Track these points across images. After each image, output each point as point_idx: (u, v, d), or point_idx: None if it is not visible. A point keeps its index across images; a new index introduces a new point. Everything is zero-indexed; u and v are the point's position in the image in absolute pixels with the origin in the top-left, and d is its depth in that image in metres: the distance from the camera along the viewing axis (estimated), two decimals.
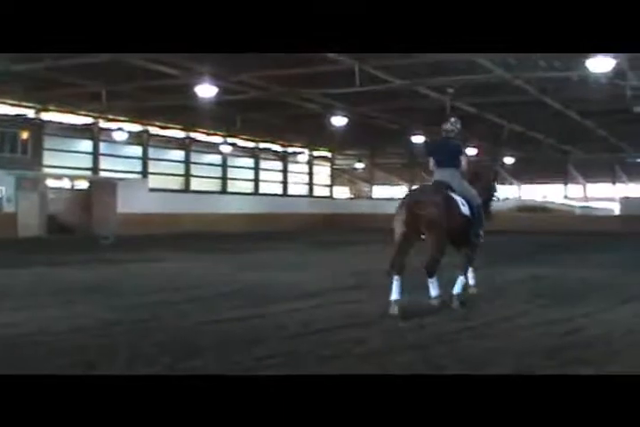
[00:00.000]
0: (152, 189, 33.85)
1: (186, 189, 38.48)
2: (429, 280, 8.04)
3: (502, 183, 55.08)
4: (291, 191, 46.53)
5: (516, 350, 5.82)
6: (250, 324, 7.19)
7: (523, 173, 53.67)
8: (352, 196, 58.64)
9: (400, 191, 56.54)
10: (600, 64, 18.52)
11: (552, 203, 51.56)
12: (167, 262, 15.35)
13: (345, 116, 29.07)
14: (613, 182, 51.94)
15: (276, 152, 45.67)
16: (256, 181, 43.84)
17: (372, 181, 55.25)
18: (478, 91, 29.47)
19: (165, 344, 6.05)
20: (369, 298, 9.07)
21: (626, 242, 25.91)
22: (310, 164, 48.66)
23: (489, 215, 9.54)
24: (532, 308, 8.27)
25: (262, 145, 43.94)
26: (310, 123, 35.94)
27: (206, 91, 23.51)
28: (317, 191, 49.63)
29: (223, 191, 40.87)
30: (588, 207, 51.20)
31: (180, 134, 38.51)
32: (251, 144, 43.17)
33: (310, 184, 48.94)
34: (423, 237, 7.93)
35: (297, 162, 47.25)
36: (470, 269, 9.05)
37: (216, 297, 9.24)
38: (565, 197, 52.73)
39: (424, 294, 8.10)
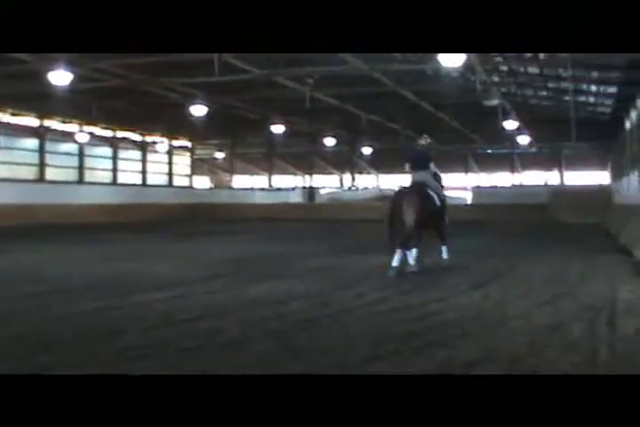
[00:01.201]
0: (2, 180, 32.36)
1: (40, 179, 37.01)
2: (409, 252, 10.79)
3: (361, 173, 56.17)
4: (150, 181, 45.61)
5: (374, 336, 5.94)
6: (109, 315, 7.04)
7: (381, 163, 54.86)
8: (212, 186, 58.27)
9: (260, 181, 56.78)
10: (451, 59, 19.06)
11: None
12: (21, 254, 14.75)
13: (205, 105, 28.74)
14: (466, 172, 53.89)
15: (134, 141, 44.62)
16: (114, 170, 42.69)
17: (232, 171, 55.02)
18: (337, 82, 29.87)
19: (22, 338, 5.84)
20: (229, 288, 9.10)
21: (478, 229, 26.96)
22: (170, 153, 47.84)
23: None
24: (392, 294, 8.48)
25: (121, 134, 42.82)
26: (170, 112, 35.36)
27: (61, 77, 22.61)
28: (177, 181, 48.91)
29: (80, 181, 39.58)
30: None
31: (34, 122, 36.97)
32: (109, 133, 42.02)
33: (170, 174, 48.15)
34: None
35: (156, 151, 46.39)
36: (414, 251, 10.97)
37: (75, 289, 8.98)
38: None
39: None
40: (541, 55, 23.96)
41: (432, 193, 11.32)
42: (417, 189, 11.18)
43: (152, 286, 9.13)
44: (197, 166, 53.52)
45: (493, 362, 5.04)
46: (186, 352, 5.33)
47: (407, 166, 11.83)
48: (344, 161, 54.03)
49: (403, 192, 11.17)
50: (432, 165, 11.89)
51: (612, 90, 28.71)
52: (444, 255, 11.68)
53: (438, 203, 11.42)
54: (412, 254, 10.89)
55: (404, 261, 10.58)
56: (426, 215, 10.87)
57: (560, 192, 38.39)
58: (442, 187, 12.31)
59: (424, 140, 12.36)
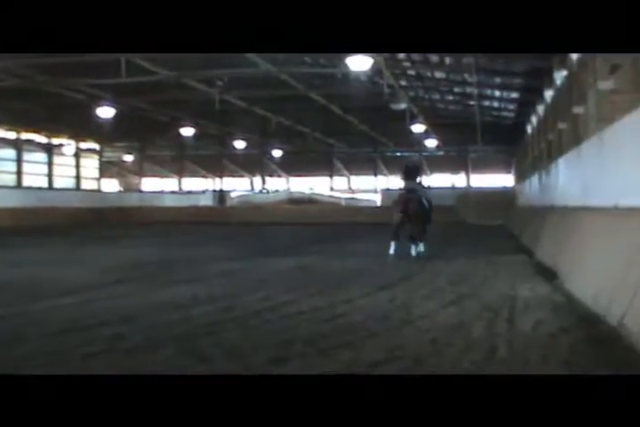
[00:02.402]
0: None
1: None
2: (412, 244, 14.16)
3: (271, 176, 56.16)
4: (57, 184, 44.54)
5: (280, 338, 5.96)
6: (11, 322, 6.83)
7: (291, 166, 54.99)
8: (121, 189, 57.31)
9: (170, 184, 56.14)
10: (358, 62, 19.28)
11: (319, 195, 53.32)
12: None
13: (112, 107, 28.25)
14: (375, 175, 54.50)
15: (40, 143, 43.48)
16: (19, 173, 41.51)
17: (141, 174, 54.23)
18: (247, 84, 29.83)
19: None
20: (135, 292, 8.98)
21: (385, 231, 27.29)
22: (77, 156, 46.84)
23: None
24: (299, 296, 8.51)
25: (25, 136, 41.65)
26: (76, 113, 34.59)
27: None
28: (85, 184, 47.90)
29: None
30: (352, 199, 53.47)
31: None
32: (12, 135, 40.82)
33: (77, 177, 47.12)
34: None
35: (63, 154, 45.32)
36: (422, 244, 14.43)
37: None
38: (331, 188, 54.67)
39: None
40: (447, 60, 24.50)
41: (422, 199, 14.63)
42: (411, 194, 14.46)
43: (57, 292, 8.91)
44: (106, 169, 52.59)
45: (398, 362, 5.11)
46: (89, 358, 5.23)
47: (402, 176, 15.30)
48: (254, 164, 53.94)
49: (404, 197, 14.41)
50: (422, 176, 15.98)
51: (515, 95, 29.58)
52: (420, 248, 14.38)
53: (426, 205, 14.73)
54: (414, 249, 14.14)
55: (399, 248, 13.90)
56: (423, 214, 14.47)
57: (466, 194, 39.25)
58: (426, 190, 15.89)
59: (416, 158, 17.88)
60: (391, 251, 13.76)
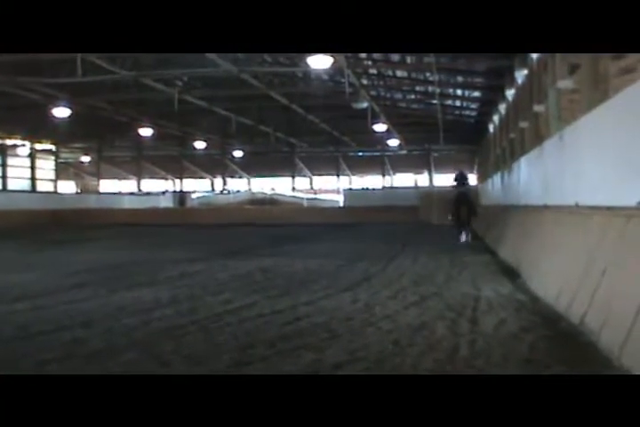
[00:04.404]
0: None
1: None
2: (463, 231, 19.51)
3: (232, 176, 56.01)
4: (11, 186, 43.98)
5: (242, 341, 5.97)
6: None
7: (252, 167, 54.84)
8: (79, 190, 56.76)
9: (129, 185, 55.70)
10: (319, 61, 19.31)
11: (281, 195, 53.32)
12: None
13: (68, 107, 27.92)
14: (338, 175, 54.57)
15: None
16: None
17: (99, 175, 53.76)
18: (207, 84, 29.70)
19: None
20: (94, 296, 8.92)
21: (349, 232, 27.43)
22: (32, 157, 46.30)
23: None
24: (260, 299, 8.53)
25: None
26: (31, 114, 34.11)
27: None
28: (41, 186, 47.36)
29: None
30: (315, 199, 53.54)
31: None
32: None
33: (33, 179, 46.58)
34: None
35: (17, 155, 44.76)
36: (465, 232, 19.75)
37: None
38: (293, 189, 54.66)
39: None
40: (409, 59, 24.64)
41: (471, 199, 20.96)
42: (464, 196, 20.32)
43: (12, 297, 8.83)
44: (62, 171, 52.05)
45: (360, 362, 5.16)
46: (45, 365, 5.19)
47: (455, 182, 20.75)
48: (215, 164, 53.75)
49: (458, 200, 20.21)
50: (470, 183, 22.57)
51: (477, 94, 29.83)
52: (465, 238, 19.58)
53: (471, 206, 20.38)
54: (464, 235, 19.51)
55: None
56: (470, 212, 19.98)
57: (429, 194, 39.49)
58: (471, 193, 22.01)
59: (465, 170, 23.80)
60: (462, 239, 19.32)
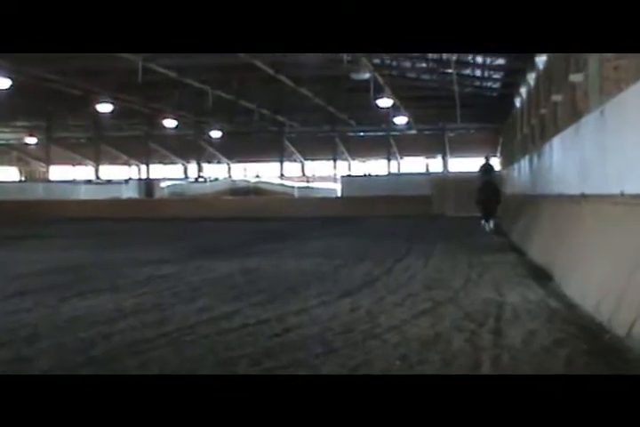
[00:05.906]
0: None
1: None
2: (491, 221, 22.84)
3: (209, 162, 55.91)
4: None
5: (219, 357, 5.94)
6: None
7: (233, 150, 54.68)
8: (23, 178, 56.64)
9: (85, 172, 55.59)
10: None
11: (267, 184, 53.24)
12: None
13: (9, 78, 27.74)
14: (334, 159, 54.34)
15: None
16: None
17: (48, 160, 53.57)
18: None
19: None
20: (42, 305, 8.83)
21: (348, 227, 27.42)
22: None
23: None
24: (242, 307, 8.49)
25: None
26: None
27: None
28: None
29: None
30: (307, 188, 53.44)
31: None
32: None
33: None
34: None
35: None
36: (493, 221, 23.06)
37: None
38: (282, 176, 54.54)
39: None
40: None
41: (497, 187, 24.37)
42: (491, 185, 23.45)
43: None
44: (3, 154, 51.92)
45: None
46: None
47: (481, 170, 23.91)
48: (188, 147, 53.63)
49: (485, 188, 23.16)
50: (495, 171, 26.42)
51: (501, 61, 29.76)
52: (492, 225, 22.88)
53: (498, 194, 23.75)
54: (491, 223, 22.78)
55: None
56: (496, 200, 23.19)
57: (444, 181, 39.51)
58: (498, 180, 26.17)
59: (490, 159, 26.72)
60: (487, 229, 22.65)
